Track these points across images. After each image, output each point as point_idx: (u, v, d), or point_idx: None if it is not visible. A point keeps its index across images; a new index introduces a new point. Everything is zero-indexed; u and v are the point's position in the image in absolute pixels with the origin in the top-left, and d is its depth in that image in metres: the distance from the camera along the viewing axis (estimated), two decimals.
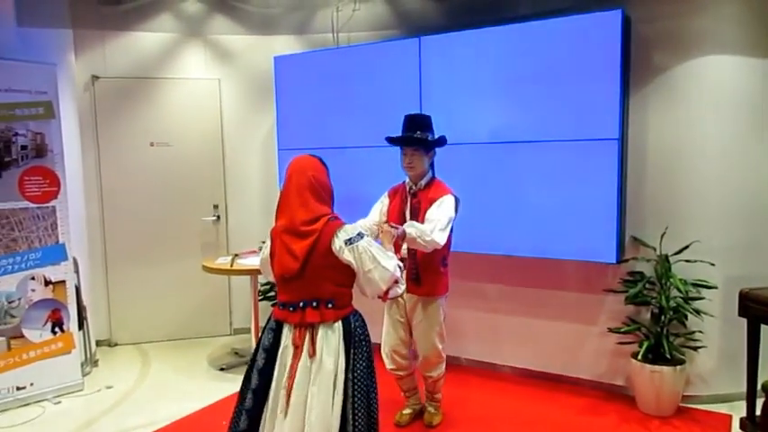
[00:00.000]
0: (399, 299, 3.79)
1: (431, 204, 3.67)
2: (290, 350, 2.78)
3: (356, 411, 2.75)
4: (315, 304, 2.76)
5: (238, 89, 6.00)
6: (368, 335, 2.89)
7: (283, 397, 2.75)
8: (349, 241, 2.73)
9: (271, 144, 5.84)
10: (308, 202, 2.76)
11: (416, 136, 3.74)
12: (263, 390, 2.80)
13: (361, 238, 2.76)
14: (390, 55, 4.95)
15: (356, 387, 2.76)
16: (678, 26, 4.18)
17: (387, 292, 2.83)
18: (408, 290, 3.67)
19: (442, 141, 3.83)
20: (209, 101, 5.93)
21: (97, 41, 5.57)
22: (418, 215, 3.71)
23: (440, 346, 3.88)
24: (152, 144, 5.81)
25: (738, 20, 4.12)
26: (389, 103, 4.92)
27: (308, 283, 2.76)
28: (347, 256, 2.72)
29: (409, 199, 3.82)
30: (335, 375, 2.74)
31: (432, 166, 3.85)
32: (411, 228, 3.45)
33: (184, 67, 5.85)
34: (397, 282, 2.83)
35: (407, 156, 3.77)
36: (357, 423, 2.74)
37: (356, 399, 2.75)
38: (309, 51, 5.58)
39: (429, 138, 3.78)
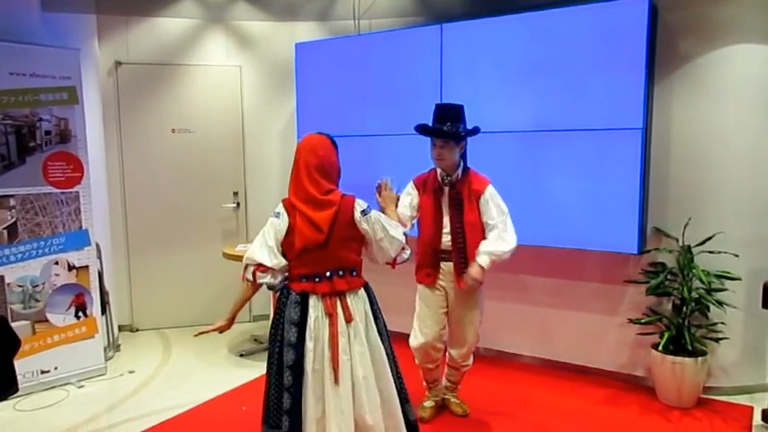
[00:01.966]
0: (438, 290, 3.80)
1: (475, 197, 3.63)
2: (324, 320, 2.84)
3: (394, 361, 3.00)
4: (341, 273, 2.89)
5: (259, 76, 6.01)
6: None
7: (329, 367, 2.81)
8: (363, 212, 2.90)
9: (291, 131, 5.85)
10: (319, 181, 2.87)
11: (445, 129, 3.60)
12: (299, 364, 2.83)
13: (372, 209, 2.97)
14: (412, 42, 4.92)
15: (386, 345, 2.96)
16: (705, 15, 4.13)
17: (395, 259, 3.02)
18: (459, 285, 3.68)
19: (473, 133, 3.72)
20: (231, 88, 5.95)
21: (120, 27, 5.59)
22: (462, 208, 3.66)
23: (478, 334, 3.92)
24: (173, 130, 5.84)
25: (766, 8, 4.05)
26: (410, 91, 4.91)
27: (333, 253, 2.87)
28: (365, 225, 2.90)
29: (446, 191, 3.71)
30: (371, 337, 2.92)
31: (464, 156, 3.76)
32: (487, 256, 3.56)
33: (206, 53, 5.87)
34: (404, 248, 3.02)
35: (437, 147, 3.65)
36: (396, 371, 3.00)
37: (390, 352, 2.98)
38: (330, 38, 5.58)
39: (460, 129, 3.64)
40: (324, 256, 2.86)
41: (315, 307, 2.86)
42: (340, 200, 2.87)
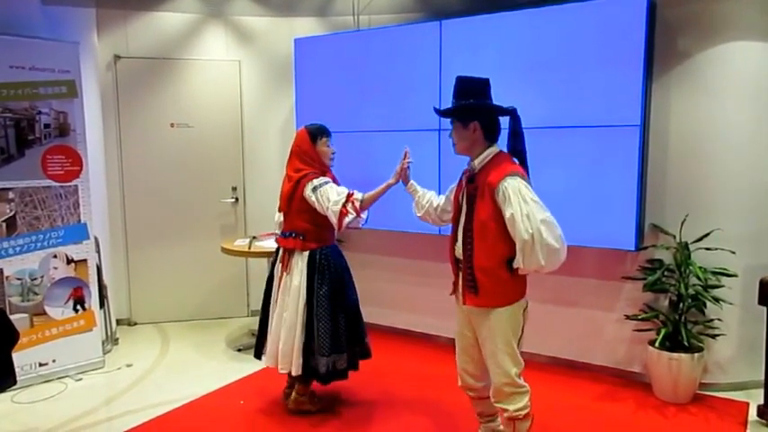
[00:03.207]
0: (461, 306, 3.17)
1: (489, 192, 2.91)
2: (279, 266, 3.91)
3: (320, 319, 3.75)
4: (293, 235, 3.84)
5: (259, 71, 6.01)
6: (335, 266, 3.83)
7: (276, 299, 3.91)
8: (313, 188, 3.69)
9: (290, 127, 5.84)
10: (294, 163, 3.85)
11: (450, 107, 3.07)
12: (268, 294, 4.02)
13: (326, 184, 3.70)
14: (411, 38, 4.93)
15: (319, 302, 3.76)
16: (703, 11, 4.13)
17: (341, 223, 3.64)
18: (465, 301, 3.08)
19: (465, 109, 3.02)
20: (230, 83, 5.95)
21: (120, 21, 5.59)
22: (474, 206, 2.99)
23: (512, 371, 3.01)
24: (172, 125, 5.84)
25: (764, 5, 4.06)
26: (409, 88, 4.91)
27: (291, 219, 3.85)
28: (312, 198, 3.69)
29: (465, 184, 3.12)
30: (299, 290, 3.78)
31: (515, 140, 3.07)
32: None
33: (205, 48, 5.87)
34: (344, 214, 3.61)
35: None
36: (321, 327, 3.75)
37: (319, 311, 3.76)
38: (330, 34, 5.57)
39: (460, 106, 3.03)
40: (287, 219, 3.88)
41: (279, 256, 3.94)
42: (299, 177, 3.75)
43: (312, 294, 3.77)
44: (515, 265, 2.91)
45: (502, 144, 3.10)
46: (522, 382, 3.07)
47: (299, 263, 3.80)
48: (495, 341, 3.01)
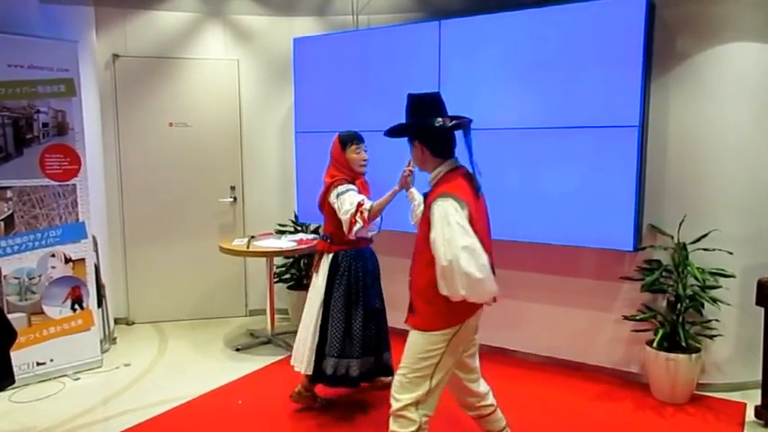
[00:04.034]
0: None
1: (426, 214, 2.77)
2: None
3: (333, 320, 3.88)
4: (324, 237, 4.03)
5: (257, 70, 6.01)
6: (354, 270, 3.91)
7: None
8: (337, 195, 3.79)
9: (288, 126, 5.85)
10: (330, 169, 3.96)
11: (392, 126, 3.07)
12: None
13: (347, 192, 3.78)
14: (410, 38, 4.93)
15: (335, 304, 3.89)
16: (702, 12, 4.13)
17: (350, 231, 3.75)
18: (405, 318, 3.00)
19: (402, 129, 3.03)
20: (228, 82, 5.94)
21: (118, 19, 5.58)
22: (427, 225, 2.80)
23: (405, 397, 2.82)
24: (171, 124, 5.83)
25: (763, 6, 4.07)
26: (408, 87, 4.79)
27: (325, 222, 4.02)
28: (336, 205, 3.78)
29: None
30: (320, 290, 3.92)
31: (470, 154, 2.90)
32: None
33: (204, 47, 5.86)
34: (353, 223, 3.70)
35: None
36: (334, 327, 3.87)
37: (334, 312, 3.88)
38: (329, 33, 5.57)
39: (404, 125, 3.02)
40: (324, 223, 4.03)
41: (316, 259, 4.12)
42: (330, 183, 3.86)
43: (330, 295, 3.89)
44: (440, 290, 2.66)
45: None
46: (411, 415, 2.80)
47: (325, 264, 3.94)
48: (404, 359, 2.87)
